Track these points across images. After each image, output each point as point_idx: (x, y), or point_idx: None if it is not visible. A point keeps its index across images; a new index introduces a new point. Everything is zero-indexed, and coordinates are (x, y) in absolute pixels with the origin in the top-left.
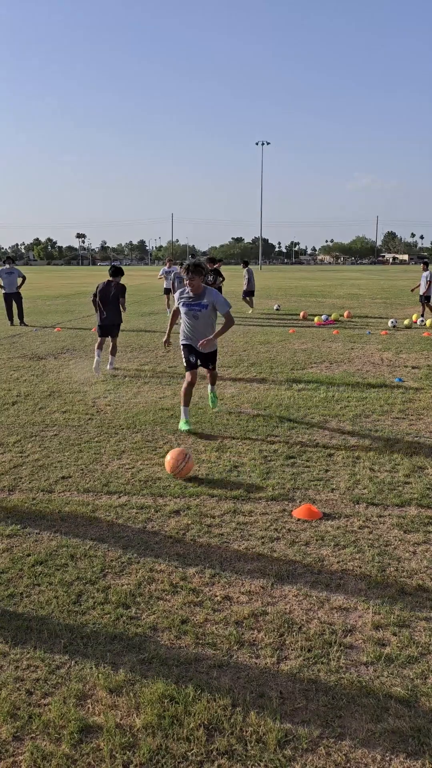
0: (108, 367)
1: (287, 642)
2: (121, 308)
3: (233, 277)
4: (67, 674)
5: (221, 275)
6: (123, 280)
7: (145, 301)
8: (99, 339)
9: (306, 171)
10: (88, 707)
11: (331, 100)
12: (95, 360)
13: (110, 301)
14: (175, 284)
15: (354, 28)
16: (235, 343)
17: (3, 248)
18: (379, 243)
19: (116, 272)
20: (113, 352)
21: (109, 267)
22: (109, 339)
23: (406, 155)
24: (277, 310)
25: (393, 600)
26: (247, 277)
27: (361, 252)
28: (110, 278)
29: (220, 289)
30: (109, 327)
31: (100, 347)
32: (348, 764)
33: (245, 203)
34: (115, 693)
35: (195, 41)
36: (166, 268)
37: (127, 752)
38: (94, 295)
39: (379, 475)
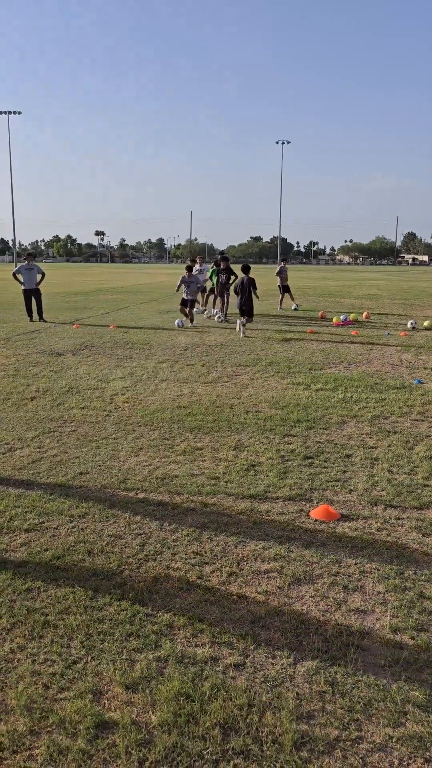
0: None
1: (304, 643)
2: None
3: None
4: (83, 669)
5: (234, 273)
6: (143, 279)
7: (163, 299)
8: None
9: (326, 170)
10: (104, 703)
11: (354, 100)
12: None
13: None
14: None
15: (374, 29)
16: (252, 342)
17: (23, 245)
18: (398, 243)
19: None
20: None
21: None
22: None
23: (428, 155)
24: (295, 309)
25: (411, 603)
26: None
27: (381, 252)
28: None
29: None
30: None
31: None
32: None
33: (264, 202)
34: (131, 689)
35: (219, 39)
36: (197, 266)
37: (143, 749)
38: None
39: (397, 477)
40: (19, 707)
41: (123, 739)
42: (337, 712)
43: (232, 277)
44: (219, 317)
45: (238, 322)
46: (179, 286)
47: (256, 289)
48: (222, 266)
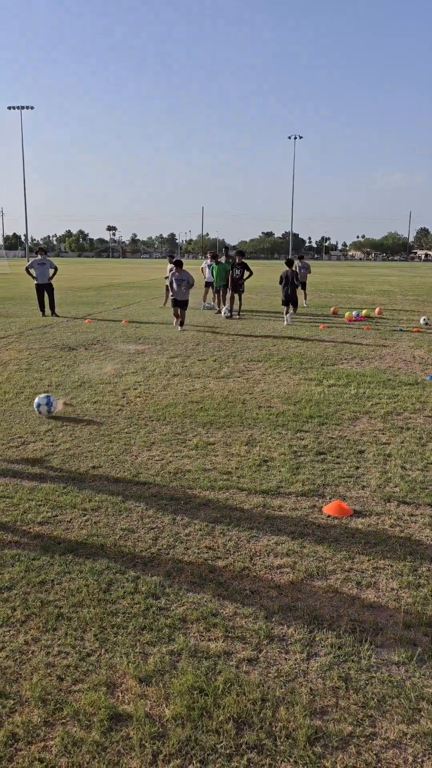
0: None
1: (317, 638)
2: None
3: (263, 272)
4: (97, 662)
5: (249, 269)
6: (154, 274)
7: None
8: None
9: (338, 165)
10: (118, 696)
11: (365, 95)
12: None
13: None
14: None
15: (388, 25)
16: (265, 337)
17: (35, 240)
18: (411, 239)
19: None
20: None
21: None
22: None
23: None
24: (304, 306)
25: (425, 600)
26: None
27: (393, 248)
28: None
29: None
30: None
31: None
32: (379, 764)
33: (276, 197)
34: (145, 683)
35: (230, 33)
36: (207, 261)
37: (157, 742)
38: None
39: (410, 473)
40: (33, 698)
41: (137, 731)
42: (351, 708)
43: (246, 272)
44: (225, 312)
45: (285, 314)
46: (170, 285)
47: (299, 281)
48: (237, 260)
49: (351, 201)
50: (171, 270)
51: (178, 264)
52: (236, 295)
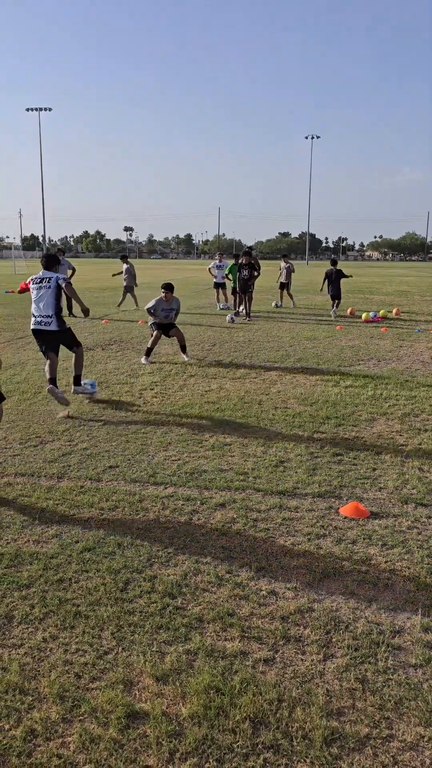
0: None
1: (334, 640)
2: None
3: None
4: (114, 660)
5: (257, 269)
6: (171, 275)
7: (192, 295)
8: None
9: (355, 165)
10: (135, 694)
11: (382, 91)
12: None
13: None
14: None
15: (402, 20)
16: (281, 338)
17: (53, 240)
18: (429, 239)
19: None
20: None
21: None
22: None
23: None
24: (276, 306)
25: None
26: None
27: (411, 248)
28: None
29: (251, 284)
30: None
31: None
32: (396, 766)
33: (293, 198)
34: (162, 681)
35: (243, 31)
36: (217, 262)
37: (173, 740)
38: None
39: (428, 475)
40: (51, 695)
41: (154, 729)
42: (368, 710)
43: (255, 273)
44: (230, 318)
45: (332, 309)
46: (153, 312)
47: (345, 277)
48: (243, 261)
49: (368, 201)
50: (126, 268)
51: (168, 288)
52: (245, 297)
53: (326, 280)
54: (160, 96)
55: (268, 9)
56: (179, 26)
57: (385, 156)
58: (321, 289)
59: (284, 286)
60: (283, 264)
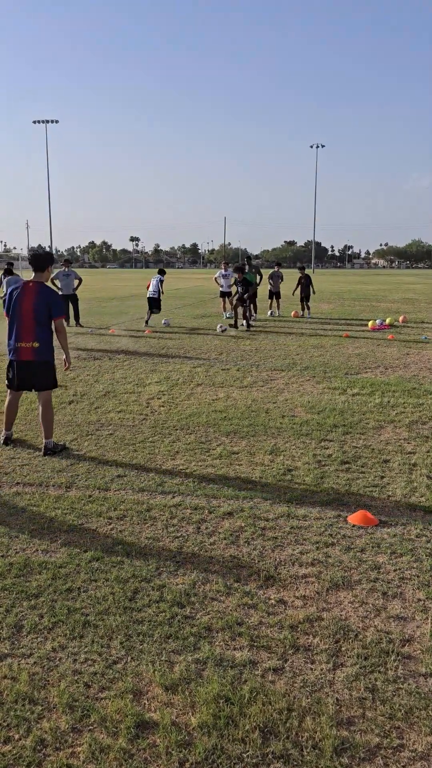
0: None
1: (343, 649)
2: None
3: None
4: (123, 669)
5: (249, 283)
6: (178, 284)
7: (198, 303)
8: None
9: (361, 172)
10: (144, 703)
11: (389, 97)
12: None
13: None
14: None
15: (412, 24)
16: (288, 346)
17: (59, 251)
18: None
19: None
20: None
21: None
22: None
23: None
24: (271, 315)
25: None
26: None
27: (417, 256)
28: None
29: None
30: None
31: None
32: None
33: (298, 206)
34: (171, 691)
35: (249, 39)
36: (222, 271)
37: (183, 750)
38: None
39: None
40: (61, 705)
41: (163, 739)
42: (378, 719)
43: (254, 283)
44: (221, 327)
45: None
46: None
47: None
48: (238, 276)
49: (374, 209)
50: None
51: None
52: (243, 305)
53: (299, 286)
54: (167, 106)
55: (269, 12)
56: (187, 32)
57: (392, 161)
58: (293, 293)
59: (277, 295)
60: (275, 272)
